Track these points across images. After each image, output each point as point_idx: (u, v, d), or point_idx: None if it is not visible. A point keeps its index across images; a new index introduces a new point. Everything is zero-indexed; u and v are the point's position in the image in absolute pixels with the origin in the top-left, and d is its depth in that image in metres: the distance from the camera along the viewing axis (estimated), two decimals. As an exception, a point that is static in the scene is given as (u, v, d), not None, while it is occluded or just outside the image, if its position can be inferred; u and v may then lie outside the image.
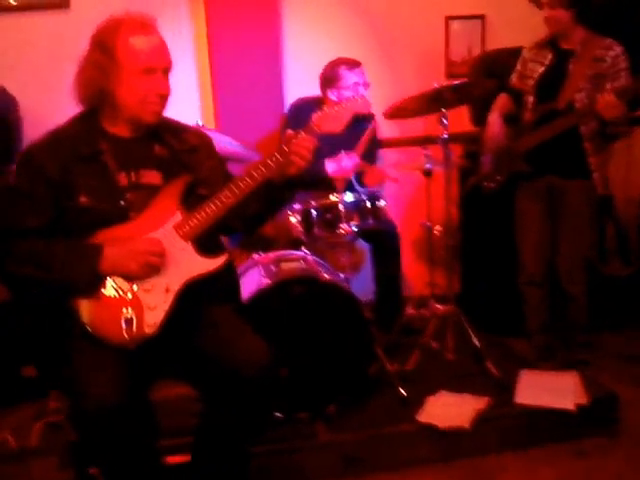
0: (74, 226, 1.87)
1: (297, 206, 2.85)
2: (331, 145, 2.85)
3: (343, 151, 2.97)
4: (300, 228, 2.85)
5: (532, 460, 2.58)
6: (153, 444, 1.93)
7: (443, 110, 2.93)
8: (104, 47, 1.86)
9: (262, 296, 2.58)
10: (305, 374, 2.64)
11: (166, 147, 2.02)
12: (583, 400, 2.66)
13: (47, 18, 3.47)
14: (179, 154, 2.02)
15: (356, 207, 2.83)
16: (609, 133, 2.81)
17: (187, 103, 3.63)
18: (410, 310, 3.22)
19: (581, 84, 2.79)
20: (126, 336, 1.83)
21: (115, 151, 1.93)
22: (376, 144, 3.39)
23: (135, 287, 1.87)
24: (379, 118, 3.18)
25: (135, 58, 1.87)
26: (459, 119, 3.57)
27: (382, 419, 2.65)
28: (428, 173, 3.05)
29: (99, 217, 1.87)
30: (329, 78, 3.27)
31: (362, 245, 3.53)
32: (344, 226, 2.80)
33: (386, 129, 3.75)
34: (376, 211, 2.88)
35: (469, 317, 3.02)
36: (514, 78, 3.05)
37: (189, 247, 1.92)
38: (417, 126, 3.73)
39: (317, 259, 2.90)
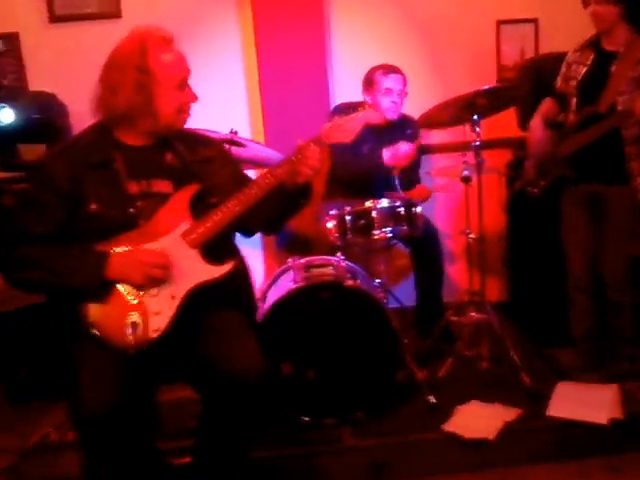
0: (84, 232, 1.92)
1: (333, 212, 2.89)
2: (390, 135, 3.16)
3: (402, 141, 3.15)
4: (335, 233, 2.88)
5: (564, 474, 2.49)
6: (154, 445, 1.99)
7: (475, 117, 2.90)
8: (140, 67, 1.92)
9: (290, 300, 2.63)
10: (333, 379, 2.67)
11: (177, 156, 2.07)
12: (618, 415, 2.57)
13: (99, 27, 3.58)
14: (190, 164, 2.06)
15: (390, 213, 2.85)
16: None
17: (235, 111, 3.73)
18: (451, 316, 3.18)
19: (623, 87, 2.69)
20: (131, 339, 1.88)
21: (126, 159, 1.98)
22: (418, 163, 3.42)
23: (142, 292, 1.92)
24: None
25: (170, 73, 1.96)
26: (507, 124, 3.51)
27: (409, 426, 2.63)
28: (467, 180, 3.02)
29: (108, 224, 1.92)
30: (366, 81, 3.34)
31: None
32: (377, 232, 2.82)
33: (428, 135, 3.72)
34: (411, 217, 2.88)
35: (517, 326, 2.96)
36: (559, 81, 2.97)
37: (196, 254, 1.95)
38: (457, 131, 3.66)
39: (351, 265, 2.91)
